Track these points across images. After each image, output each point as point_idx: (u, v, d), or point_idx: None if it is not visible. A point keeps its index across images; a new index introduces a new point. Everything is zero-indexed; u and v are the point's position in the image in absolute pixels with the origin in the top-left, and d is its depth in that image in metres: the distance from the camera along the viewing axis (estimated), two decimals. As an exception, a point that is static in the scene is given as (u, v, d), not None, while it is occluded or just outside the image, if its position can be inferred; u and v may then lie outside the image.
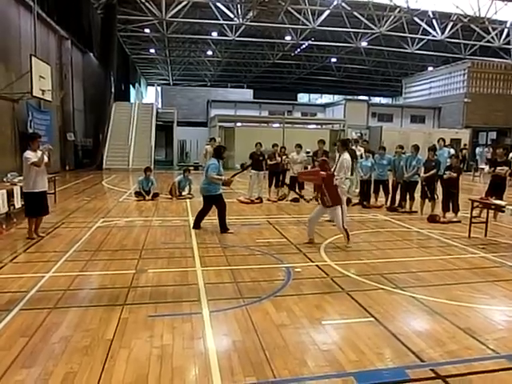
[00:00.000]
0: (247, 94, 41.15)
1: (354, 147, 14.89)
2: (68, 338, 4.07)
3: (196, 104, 37.61)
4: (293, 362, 3.70)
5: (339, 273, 6.22)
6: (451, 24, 28.44)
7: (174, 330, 4.27)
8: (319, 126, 32.49)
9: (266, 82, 48.96)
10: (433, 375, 3.56)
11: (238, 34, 29.42)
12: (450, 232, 9.24)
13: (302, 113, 37.98)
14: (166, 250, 7.33)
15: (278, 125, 29.08)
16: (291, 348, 3.94)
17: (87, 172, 21.80)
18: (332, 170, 8.09)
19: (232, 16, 26.68)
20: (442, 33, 28.94)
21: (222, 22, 27.57)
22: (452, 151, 15.39)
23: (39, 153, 7.75)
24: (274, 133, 26.01)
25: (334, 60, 40.26)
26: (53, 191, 12.27)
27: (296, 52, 36.60)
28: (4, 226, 8.68)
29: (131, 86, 39.17)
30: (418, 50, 31.88)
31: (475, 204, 9.23)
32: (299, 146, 13.52)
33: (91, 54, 26.08)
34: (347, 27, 28.73)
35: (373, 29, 28.05)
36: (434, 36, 29.29)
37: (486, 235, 8.87)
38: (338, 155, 8.46)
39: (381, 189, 12.36)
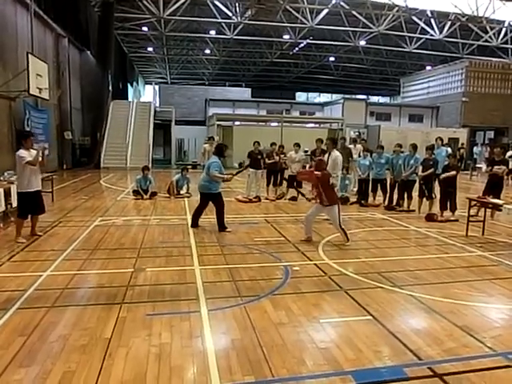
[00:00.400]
0: (245, 92, 41.15)
1: (351, 146, 14.93)
2: (66, 336, 4.07)
3: (194, 103, 37.59)
4: (291, 361, 3.70)
5: (337, 271, 6.23)
6: (449, 23, 28.47)
7: (172, 329, 4.27)
8: (317, 125, 32.46)
9: (264, 81, 48.96)
10: (430, 373, 3.58)
11: (236, 32, 29.36)
12: (447, 231, 9.27)
13: (300, 112, 37.98)
14: (164, 249, 7.32)
15: (276, 124, 29.04)
16: (289, 346, 3.95)
17: (85, 171, 21.75)
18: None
19: (230, 14, 26.64)
20: (440, 32, 28.96)
21: (220, 20, 27.52)
22: (449, 150, 15.42)
23: (32, 151, 7.61)
24: (273, 132, 25.99)
25: (332, 59, 40.24)
26: (50, 190, 12.28)
27: (294, 51, 36.57)
28: (1, 225, 8.67)
29: (129, 85, 39.09)
30: (416, 49, 31.90)
31: (473, 203, 9.25)
32: (297, 144, 13.51)
33: (88, 52, 25.96)
34: (345, 26, 28.76)
35: (371, 28, 28.06)
36: (432, 35, 29.31)
37: (483, 234, 8.90)
38: (327, 153, 8.56)
39: (379, 188, 12.37)
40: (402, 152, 12.09)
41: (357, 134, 27.74)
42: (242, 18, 27.11)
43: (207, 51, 38.60)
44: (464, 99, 32.11)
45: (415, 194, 11.42)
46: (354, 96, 48.59)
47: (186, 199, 12.94)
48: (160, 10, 25.29)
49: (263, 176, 13.63)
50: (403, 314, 4.82)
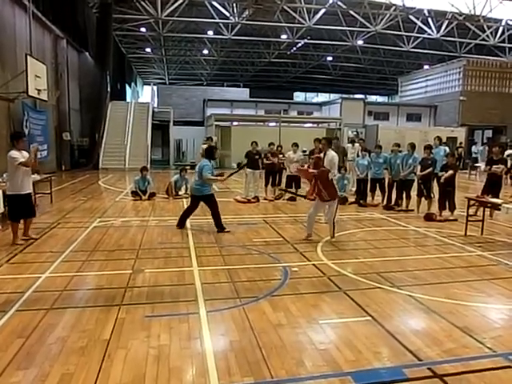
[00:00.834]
0: (243, 92, 41.11)
1: (350, 145, 14.95)
2: (65, 338, 4.06)
3: (192, 103, 37.56)
4: (290, 362, 3.69)
5: (336, 272, 6.22)
6: (446, 22, 28.50)
7: (171, 330, 4.26)
8: (315, 125, 32.48)
9: (262, 81, 48.93)
10: (430, 374, 3.57)
11: (233, 32, 29.39)
12: (446, 230, 9.26)
13: (299, 111, 37.99)
14: (163, 250, 7.31)
15: (274, 124, 29.05)
16: (288, 348, 3.94)
17: (83, 172, 21.72)
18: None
19: (228, 15, 26.64)
20: (438, 31, 28.99)
21: (217, 20, 27.52)
22: (447, 149, 15.41)
23: (24, 153, 7.47)
24: (271, 132, 25.98)
25: (329, 58, 40.24)
26: (49, 191, 12.26)
27: (292, 51, 36.58)
28: (0, 227, 8.64)
29: (127, 86, 39.09)
30: (413, 48, 31.97)
31: (471, 202, 9.26)
32: (296, 144, 13.50)
33: (87, 54, 25.95)
34: (343, 26, 28.77)
35: (368, 27, 28.09)
36: (429, 34, 29.36)
37: (482, 233, 8.89)
38: (323, 153, 8.60)
39: (377, 187, 12.37)
40: (400, 151, 12.09)
41: (355, 133, 27.76)
42: (239, 19, 27.10)
43: (205, 52, 38.59)
44: (462, 98, 32.13)
45: (414, 193, 11.42)
46: (351, 95, 48.58)
47: (184, 200, 12.91)
48: (158, 11, 25.29)
49: (261, 176, 13.61)
50: (402, 314, 4.81)
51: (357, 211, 11.60)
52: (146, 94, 52.92)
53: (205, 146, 16.00)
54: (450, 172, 10.23)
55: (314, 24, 27.40)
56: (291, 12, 26.71)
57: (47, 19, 19.75)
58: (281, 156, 13.88)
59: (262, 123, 31.23)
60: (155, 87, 41.78)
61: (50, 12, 19.99)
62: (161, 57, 40.55)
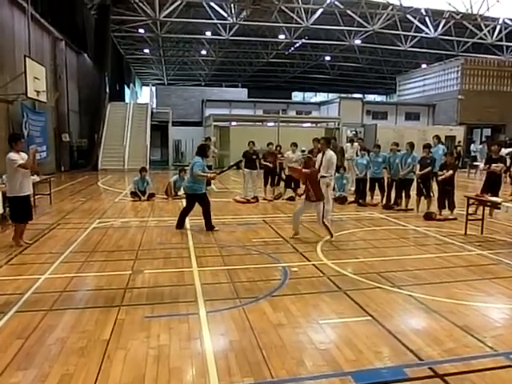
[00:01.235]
0: (242, 93, 41.13)
1: (349, 144, 14.94)
2: (64, 339, 4.05)
3: (191, 103, 37.56)
4: (290, 362, 3.69)
5: (336, 272, 6.21)
6: (444, 21, 28.51)
7: (171, 331, 4.25)
8: (314, 125, 32.49)
9: (260, 81, 48.93)
10: (431, 373, 3.56)
11: (231, 33, 29.39)
12: (446, 229, 9.26)
13: (297, 111, 37.99)
14: (163, 251, 7.30)
15: (272, 124, 29.06)
16: (289, 348, 3.93)
17: (82, 173, 21.68)
18: (318, 166, 8.27)
19: (226, 15, 26.63)
20: (435, 30, 28.99)
21: (215, 21, 27.53)
22: (445, 149, 15.40)
23: (23, 154, 7.42)
24: (269, 132, 26.00)
25: (327, 58, 40.28)
26: (48, 192, 12.25)
27: (290, 51, 36.60)
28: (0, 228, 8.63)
29: (126, 86, 39.01)
30: (411, 47, 32.00)
31: (471, 201, 9.24)
32: (295, 144, 13.49)
33: (85, 55, 25.93)
34: (340, 25, 28.80)
35: (366, 27, 28.10)
36: (427, 33, 29.37)
37: (482, 232, 8.88)
38: (322, 153, 8.66)
39: (376, 187, 12.36)
40: (399, 151, 12.08)
41: (353, 133, 27.74)
42: (237, 19, 27.09)
43: (203, 52, 38.60)
44: (460, 97, 32.12)
45: (413, 192, 11.41)
46: (350, 95, 48.66)
47: (183, 200, 12.85)
48: (156, 12, 25.32)
49: (259, 176, 13.58)
50: (403, 314, 4.80)
51: (356, 211, 11.60)
52: (145, 94, 52.73)
53: (204, 147, 16.13)
54: (450, 172, 10.21)
55: (312, 24, 27.40)
56: (289, 12, 26.76)
57: (46, 21, 19.75)
58: (280, 156, 13.87)
59: (260, 123, 31.25)
60: (154, 88, 41.67)
61: (48, 14, 19.98)
62: (159, 58, 40.54)
